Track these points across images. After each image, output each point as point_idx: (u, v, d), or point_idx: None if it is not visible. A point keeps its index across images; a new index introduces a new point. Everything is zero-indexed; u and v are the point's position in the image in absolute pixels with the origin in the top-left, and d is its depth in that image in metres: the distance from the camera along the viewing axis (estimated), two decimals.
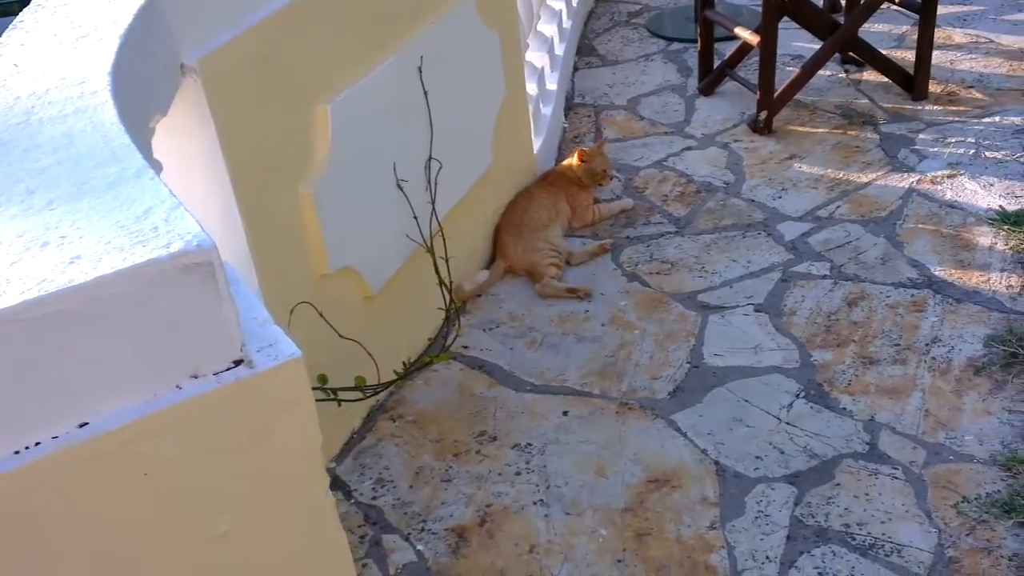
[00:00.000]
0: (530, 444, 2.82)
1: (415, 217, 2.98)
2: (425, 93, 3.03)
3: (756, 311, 3.25)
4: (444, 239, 3.07)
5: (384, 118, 2.85)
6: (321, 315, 2.62)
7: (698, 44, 4.71)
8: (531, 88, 4.17)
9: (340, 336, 2.66)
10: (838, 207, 3.74)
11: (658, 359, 3.08)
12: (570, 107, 4.74)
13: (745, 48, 4.46)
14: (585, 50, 5.32)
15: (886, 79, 4.48)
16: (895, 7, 4.48)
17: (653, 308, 3.32)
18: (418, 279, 3.04)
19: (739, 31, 4.35)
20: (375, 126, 2.81)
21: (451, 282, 3.02)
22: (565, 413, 2.93)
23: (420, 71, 3.00)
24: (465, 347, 3.23)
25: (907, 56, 4.71)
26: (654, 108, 4.65)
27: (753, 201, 3.84)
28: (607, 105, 4.73)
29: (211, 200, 2.38)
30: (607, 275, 3.52)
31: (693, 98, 4.70)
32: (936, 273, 3.32)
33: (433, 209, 3.07)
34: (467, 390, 3.05)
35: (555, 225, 3.67)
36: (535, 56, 4.46)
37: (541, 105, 4.23)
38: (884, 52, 4.52)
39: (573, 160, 3.78)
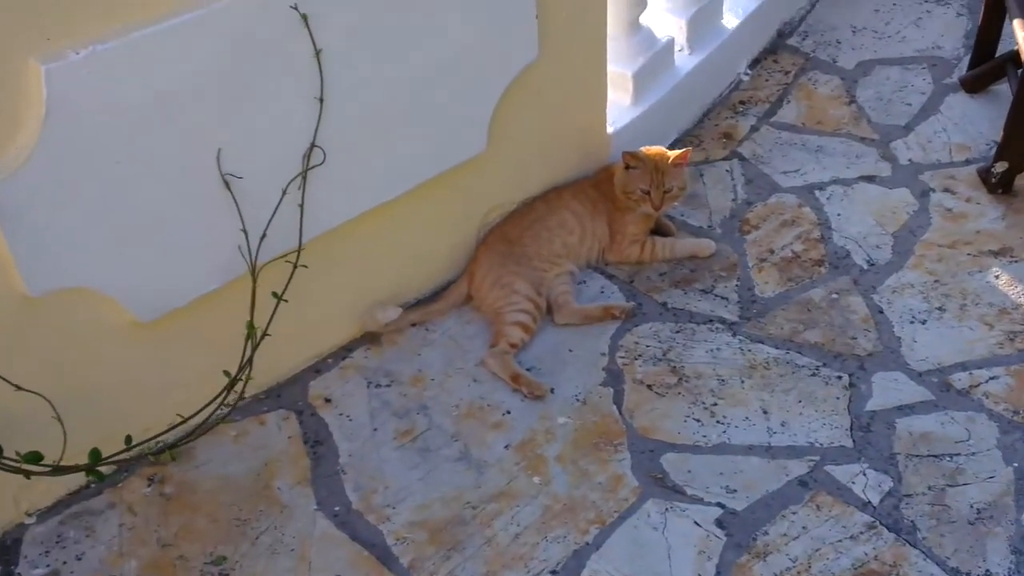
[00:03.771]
0: None
1: (243, 230, 2.06)
2: (317, 52, 2.02)
3: (719, 525, 2.09)
4: (297, 260, 2.13)
5: (201, 79, 1.91)
6: None
7: (981, 13, 3.13)
8: (674, 22, 2.91)
9: (18, 388, 1.88)
10: (993, 378, 2.34)
11: (522, 546, 2.05)
12: (775, 48, 3.38)
13: None
14: None
15: None
16: None
17: (593, 448, 2.24)
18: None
19: (1019, 25, 2.78)
20: (179, 95, 1.89)
21: (261, 332, 2.10)
22: None
23: (304, 18, 1.98)
24: (328, 399, 2.34)
25: None
26: (881, 90, 3.21)
27: (881, 314, 2.50)
28: (826, 62, 3.34)
29: None
30: (584, 358, 2.43)
31: (948, 89, 3.20)
32: None
33: (301, 216, 2.13)
34: (265, 476, 2.19)
35: (569, 259, 2.58)
36: None
37: (686, 47, 2.96)
38: None
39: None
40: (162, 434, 2.07)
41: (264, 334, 2.08)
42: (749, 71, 3.28)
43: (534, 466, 2.20)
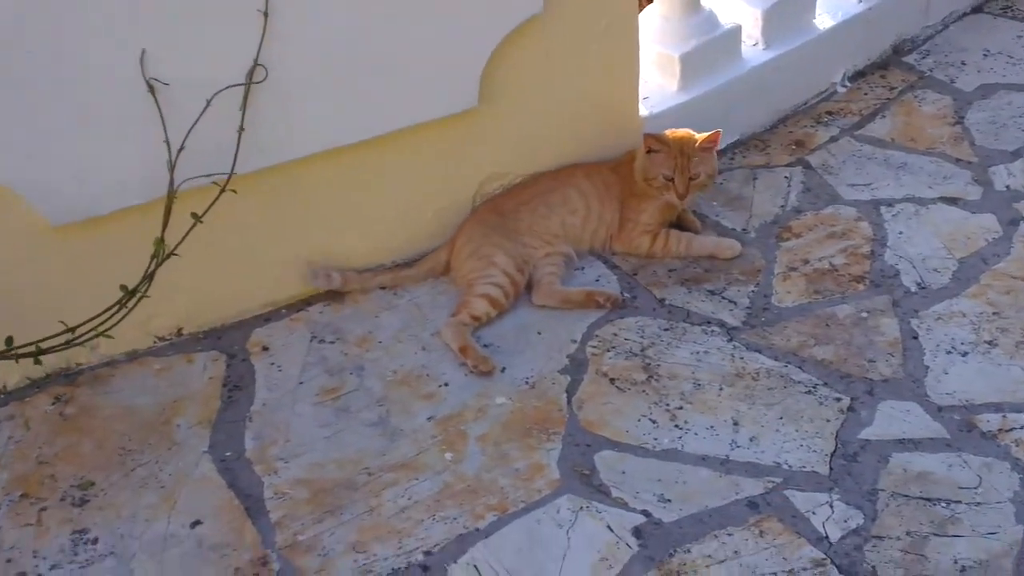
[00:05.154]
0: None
1: (166, 141, 1.94)
2: None
3: (636, 534, 1.76)
4: (226, 184, 1.99)
5: None
6: None
7: None
8: (749, 12, 2.64)
9: None
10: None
11: (404, 521, 1.80)
12: (886, 63, 3.02)
13: None
14: None
15: None
16: None
17: (524, 433, 1.96)
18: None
19: None
20: None
21: (163, 252, 1.95)
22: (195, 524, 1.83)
23: None
24: (266, 348, 2.18)
25: None
26: (998, 115, 2.80)
27: (914, 339, 2.11)
28: (941, 82, 2.95)
29: None
30: (551, 342, 2.16)
31: None
32: None
33: (239, 138, 1.99)
34: (169, 412, 2.04)
35: (567, 240, 2.33)
36: None
37: (760, 41, 2.67)
38: None
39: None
40: (48, 338, 1.93)
41: (171, 253, 1.93)
42: (848, 83, 2.93)
43: (451, 442, 1.94)
